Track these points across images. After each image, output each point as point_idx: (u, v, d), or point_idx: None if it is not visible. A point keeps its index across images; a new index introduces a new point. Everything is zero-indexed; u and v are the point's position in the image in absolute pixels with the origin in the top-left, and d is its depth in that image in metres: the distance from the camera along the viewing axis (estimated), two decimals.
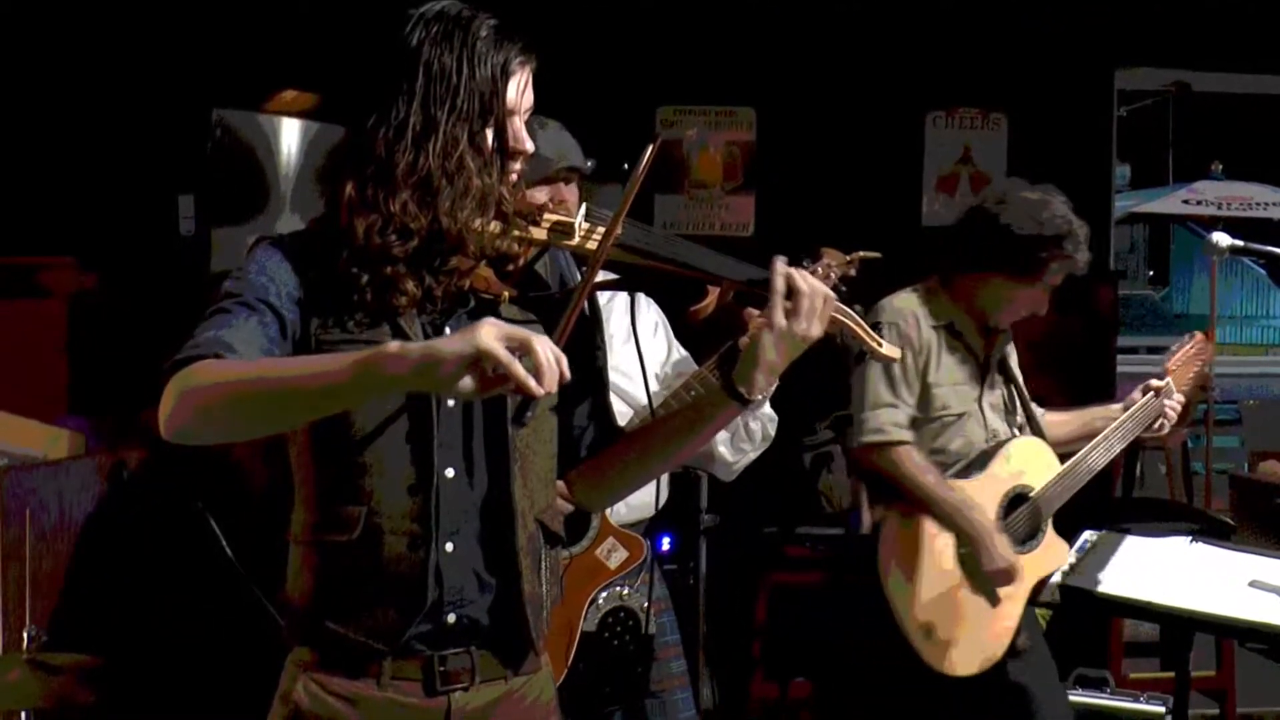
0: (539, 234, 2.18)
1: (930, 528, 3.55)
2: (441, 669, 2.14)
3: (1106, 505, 5.73)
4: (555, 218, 2.18)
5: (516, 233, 2.15)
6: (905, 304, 3.67)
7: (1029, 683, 3.70)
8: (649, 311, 3.34)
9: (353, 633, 2.12)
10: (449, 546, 2.12)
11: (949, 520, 3.54)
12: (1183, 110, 15.73)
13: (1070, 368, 4.05)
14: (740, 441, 3.18)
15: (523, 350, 1.82)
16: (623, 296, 3.09)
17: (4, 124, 4.87)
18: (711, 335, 2.92)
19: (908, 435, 3.58)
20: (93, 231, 4.88)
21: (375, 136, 2.07)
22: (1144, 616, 3.51)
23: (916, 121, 5.67)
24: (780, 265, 2.23)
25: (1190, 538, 3.41)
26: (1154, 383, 3.77)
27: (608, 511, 3.03)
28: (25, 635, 3.37)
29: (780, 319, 2.21)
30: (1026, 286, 3.60)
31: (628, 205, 2.11)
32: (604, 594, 3.03)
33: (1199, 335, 3.95)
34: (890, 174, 5.62)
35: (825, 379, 4.95)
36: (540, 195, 3.08)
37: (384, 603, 2.11)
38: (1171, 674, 3.93)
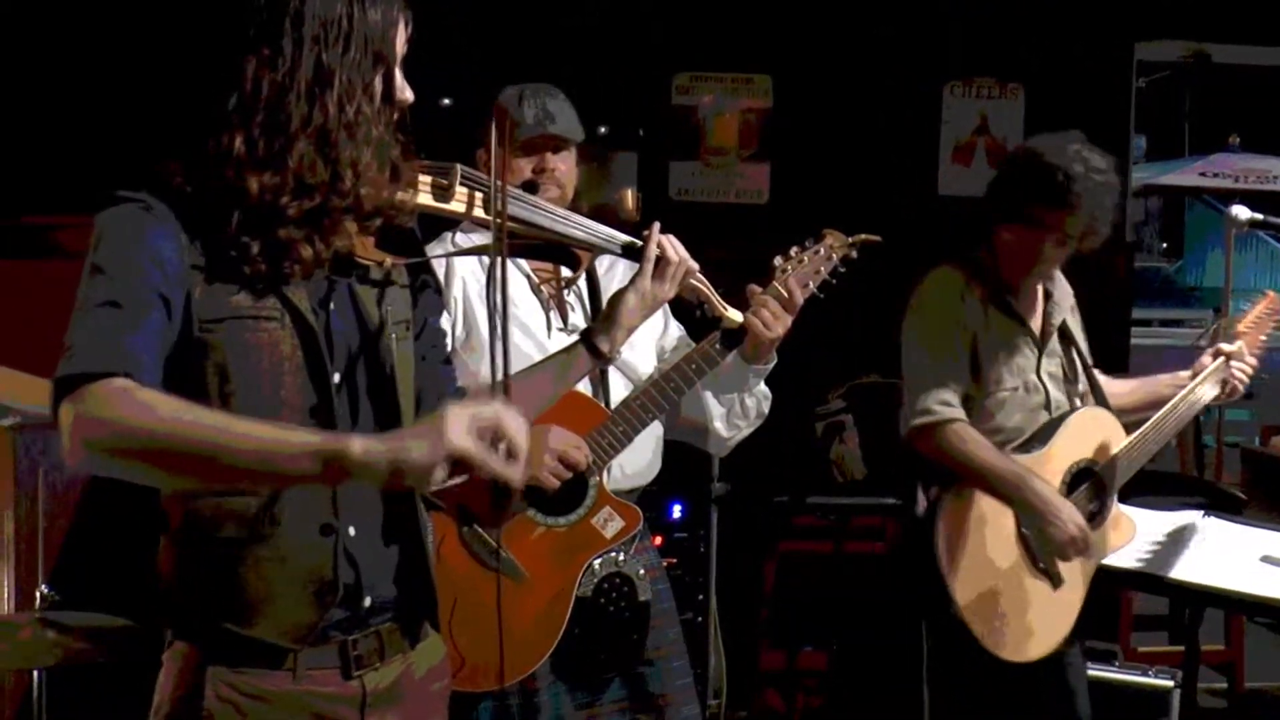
0: (424, 196, 2.13)
1: (988, 507, 3.33)
2: (355, 653, 2.06)
3: None
4: (430, 178, 2.17)
5: (404, 193, 2.07)
6: (947, 276, 3.48)
7: (1079, 673, 3.57)
8: (568, 287, 3.32)
9: (262, 633, 1.99)
10: (351, 530, 2.03)
11: (1012, 492, 3.30)
12: (1201, 82, 15.63)
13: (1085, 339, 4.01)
14: (735, 418, 3.18)
15: (495, 437, 1.76)
16: (622, 266, 3.11)
17: (24, 83, 4.86)
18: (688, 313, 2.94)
19: (958, 413, 3.35)
20: (110, 191, 4.88)
21: (260, 84, 1.92)
22: (1154, 590, 3.48)
23: (934, 91, 5.65)
24: (655, 232, 2.49)
25: (1201, 512, 3.41)
26: (1225, 347, 3.59)
27: (605, 480, 3.03)
28: (38, 594, 3.37)
29: (647, 282, 2.46)
30: (1053, 232, 3.38)
31: (499, 172, 2.07)
32: (599, 560, 3.04)
33: (1271, 294, 3.78)
34: (906, 143, 5.60)
35: (836, 349, 4.98)
36: (524, 164, 3.09)
37: (294, 597, 2.00)
38: (1180, 648, 3.94)
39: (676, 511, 3.97)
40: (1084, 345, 3.61)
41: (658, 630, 3.17)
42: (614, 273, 3.18)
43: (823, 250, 2.95)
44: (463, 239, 3.01)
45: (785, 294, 2.91)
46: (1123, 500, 3.43)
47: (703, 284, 2.66)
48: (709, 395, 3.11)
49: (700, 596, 4.34)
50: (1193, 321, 10.76)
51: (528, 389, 2.43)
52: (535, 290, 3.11)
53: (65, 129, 4.88)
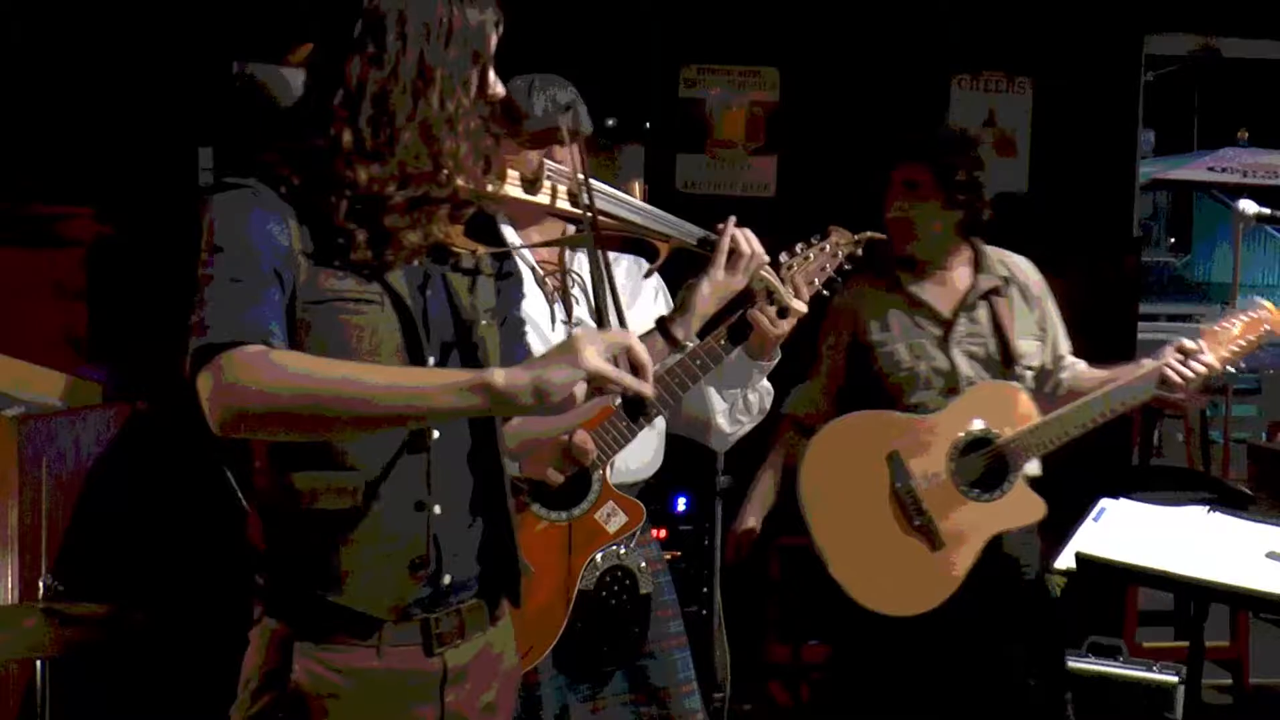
0: (513, 188, 2.22)
1: (852, 464, 3.56)
2: (437, 631, 2.14)
3: (1124, 473, 5.72)
4: (517, 172, 2.24)
5: (495, 185, 2.17)
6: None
7: (982, 640, 3.64)
8: (649, 277, 3.34)
9: (353, 604, 2.07)
10: (438, 509, 2.11)
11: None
12: (1210, 76, 15.60)
13: (1091, 334, 3.99)
14: (738, 414, 3.19)
15: (623, 355, 1.91)
16: (628, 259, 3.13)
17: (25, 73, 4.86)
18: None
19: (801, 410, 3.80)
20: (112, 182, 4.88)
21: (365, 81, 2.01)
22: (1159, 585, 3.48)
23: (942, 84, 5.63)
24: (729, 226, 2.61)
25: (1208, 507, 3.40)
26: (1185, 343, 3.54)
27: (608, 474, 3.03)
28: (41, 584, 3.38)
29: (720, 273, 2.58)
30: (894, 186, 3.73)
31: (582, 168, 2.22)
32: (600, 553, 3.04)
33: (1267, 306, 3.61)
34: None
35: None
36: (533, 156, 3.09)
37: (388, 571, 2.08)
38: (1185, 643, 3.93)
39: (681, 504, 3.96)
40: (1007, 328, 3.68)
41: (660, 622, 3.17)
42: (618, 268, 3.18)
43: (828, 247, 2.95)
44: (508, 232, 3.03)
45: (791, 291, 2.92)
46: (1129, 497, 3.43)
47: (771, 276, 2.76)
48: (712, 391, 3.12)
49: (704, 589, 4.34)
50: (1200, 316, 10.73)
51: None
52: (540, 282, 3.10)
53: (72, 119, 4.87)
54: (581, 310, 3.12)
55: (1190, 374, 3.49)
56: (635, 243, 2.57)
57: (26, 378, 4.40)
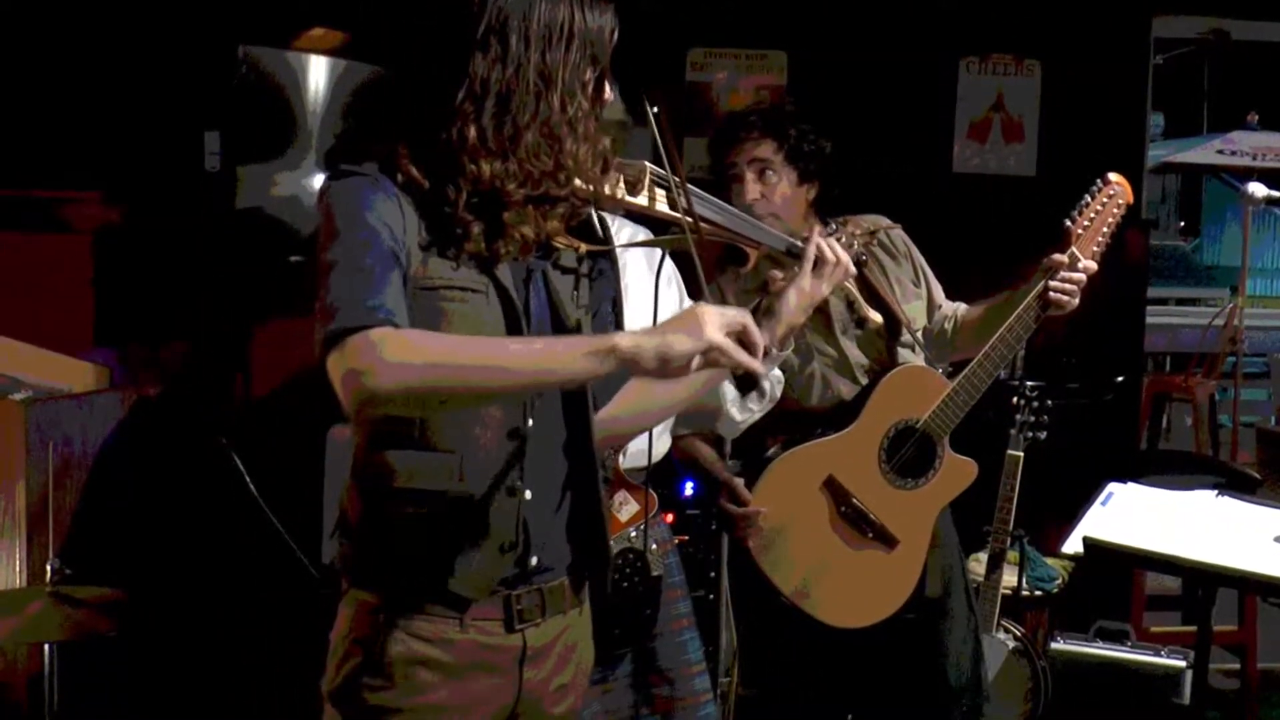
0: (621, 190, 2.30)
1: (795, 493, 3.51)
2: (518, 608, 2.20)
3: (1131, 457, 5.71)
4: (620, 174, 2.31)
5: (610, 186, 2.25)
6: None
7: (941, 636, 3.68)
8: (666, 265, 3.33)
9: (444, 583, 2.14)
10: (528, 494, 2.17)
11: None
12: (1220, 59, 15.54)
13: (1100, 317, 3.98)
14: (749, 402, 3.19)
15: (741, 333, 2.00)
16: (636, 251, 3.12)
17: (31, 57, 4.86)
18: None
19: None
20: (118, 166, 4.88)
21: (489, 80, 2.08)
22: (1167, 570, 3.47)
23: (950, 67, 5.61)
24: (815, 235, 2.64)
25: (1216, 491, 3.39)
26: (1056, 257, 3.38)
27: (620, 461, 3.04)
28: (48, 568, 3.38)
29: (806, 280, 2.60)
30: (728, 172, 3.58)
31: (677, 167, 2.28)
32: (612, 537, 3.04)
33: (1112, 177, 3.47)
34: (921, 120, 5.56)
35: None
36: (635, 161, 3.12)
37: (480, 552, 2.15)
38: (1193, 628, 3.92)
39: (689, 489, 3.95)
40: (892, 303, 3.54)
41: (669, 604, 3.18)
42: (626, 259, 3.17)
43: (845, 237, 2.95)
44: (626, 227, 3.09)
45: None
46: (1138, 481, 3.42)
47: (852, 286, 2.90)
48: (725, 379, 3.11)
49: (712, 574, 4.33)
50: (1209, 300, 10.72)
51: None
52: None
53: (79, 103, 4.87)
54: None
55: (1073, 286, 3.38)
56: (729, 246, 2.61)
57: (34, 362, 4.40)
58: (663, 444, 3.24)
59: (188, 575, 4.41)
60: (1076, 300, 3.39)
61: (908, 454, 3.54)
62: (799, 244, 2.68)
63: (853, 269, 2.72)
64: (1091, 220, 3.41)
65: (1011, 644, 4.51)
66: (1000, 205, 5.52)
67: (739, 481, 3.41)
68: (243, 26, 4.62)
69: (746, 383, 2.06)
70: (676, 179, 2.29)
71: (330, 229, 2.05)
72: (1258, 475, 5.06)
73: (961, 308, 3.71)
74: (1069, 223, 3.41)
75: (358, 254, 2.02)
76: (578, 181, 2.14)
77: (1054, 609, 4.99)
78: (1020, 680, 4.50)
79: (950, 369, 3.67)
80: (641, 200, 2.35)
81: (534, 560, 2.20)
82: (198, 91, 4.80)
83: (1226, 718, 5.31)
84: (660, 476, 3.21)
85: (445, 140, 2.08)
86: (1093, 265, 3.40)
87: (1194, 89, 16.31)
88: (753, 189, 3.54)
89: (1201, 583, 3.30)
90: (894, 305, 3.56)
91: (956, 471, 3.59)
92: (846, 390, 3.59)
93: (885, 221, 3.50)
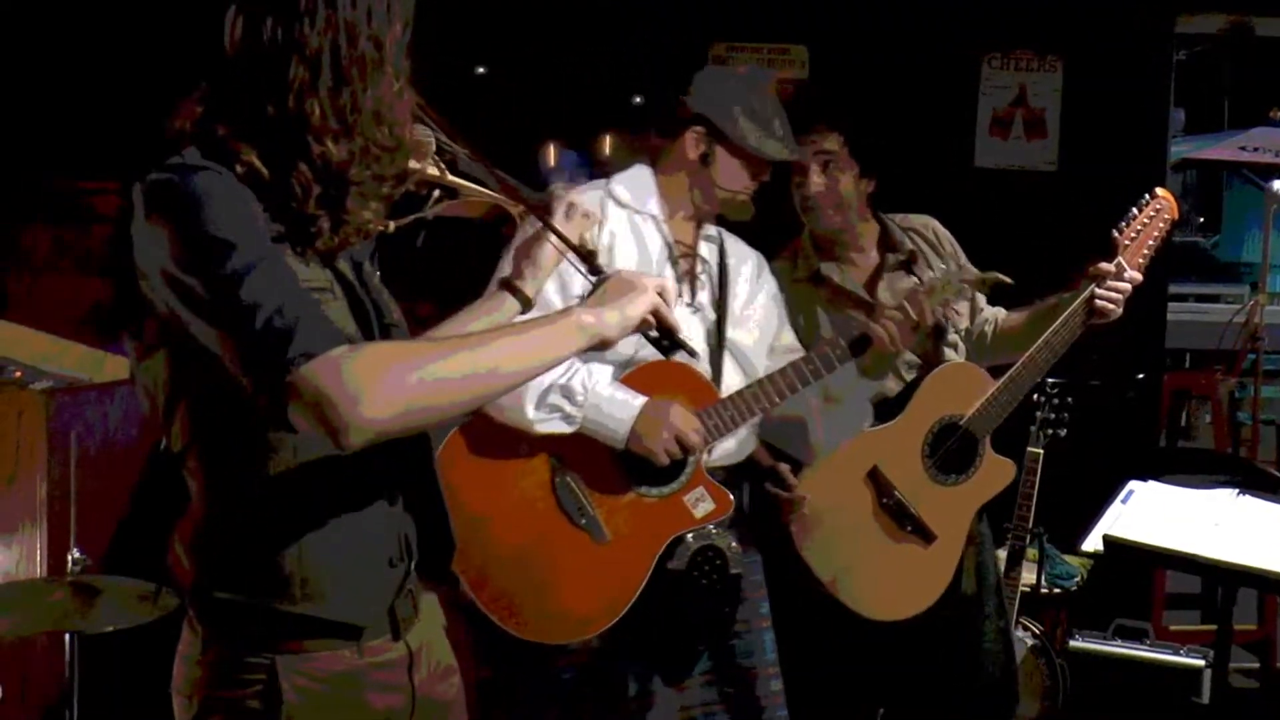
0: (427, 164, 2.11)
1: (839, 485, 3.48)
2: (401, 616, 2.08)
3: (1152, 455, 5.70)
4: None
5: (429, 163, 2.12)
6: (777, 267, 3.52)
7: (973, 634, 3.69)
8: (770, 279, 3.37)
9: (339, 613, 1.97)
10: (400, 499, 2.06)
11: None
12: (1242, 55, 15.48)
13: (1120, 314, 3.96)
14: (843, 435, 3.26)
15: (663, 291, 2.06)
16: (753, 259, 3.23)
17: (55, 48, 4.87)
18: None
19: None
20: (142, 157, 4.88)
21: (320, 50, 1.86)
22: (1187, 569, 3.46)
23: (972, 63, 5.60)
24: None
25: (1236, 490, 3.38)
26: (1103, 266, 3.42)
27: (704, 460, 3.04)
28: (70, 558, 3.39)
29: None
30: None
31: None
32: (691, 533, 3.04)
33: (1160, 192, 3.55)
34: (943, 115, 5.55)
35: None
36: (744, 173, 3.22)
37: (368, 570, 2.01)
38: (1213, 627, 3.92)
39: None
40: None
41: (749, 603, 3.18)
42: (744, 260, 3.27)
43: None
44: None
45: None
46: (1156, 480, 3.41)
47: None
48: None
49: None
50: (1230, 297, 10.66)
51: None
52: (673, 262, 3.11)
53: (100, 93, 4.88)
54: (705, 295, 3.14)
55: (1119, 295, 3.43)
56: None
57: (55, 352, 4.41)
58: (748, 446, 3.24)
59: None
60: (1120, 309, 3.44)
61: (950, 450, 3.53)
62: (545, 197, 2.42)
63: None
64: (1139, 232, 3.46)
65: (1030, 641, 4.50)
66: (1022, 200, 5.51)
67: (785, 467, 3.38)
68: None
69: (674, 341, 2.09)
70: (460, 147, 2.12)
71: (206, 236, 1.78)
72: (1278, 474, 5.04)
73: (1001, 313, 3.72)
74: (1116, 234, 3.45)
75: (272, 268, 1.77)
76: (405, 161, 1.97)
77: (1073, 607, 4.98)
78: (1038, 678, 4.50)
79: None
80: (431, 170, 2.14)
81: (411, 566, 2.09)
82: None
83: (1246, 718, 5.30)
84: (733, 477, 3.22)
85: (280, 119, 1.86)
86: (1138, 276, 3.44)
87: (1216, 85, 16.25)
88: (817, 181, 3.51)
89: (1222, 581, 3.29)
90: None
91: (996, 471, 3.58)
92: (892, 385, 3.59)
93: (934, 222, 3.67)
